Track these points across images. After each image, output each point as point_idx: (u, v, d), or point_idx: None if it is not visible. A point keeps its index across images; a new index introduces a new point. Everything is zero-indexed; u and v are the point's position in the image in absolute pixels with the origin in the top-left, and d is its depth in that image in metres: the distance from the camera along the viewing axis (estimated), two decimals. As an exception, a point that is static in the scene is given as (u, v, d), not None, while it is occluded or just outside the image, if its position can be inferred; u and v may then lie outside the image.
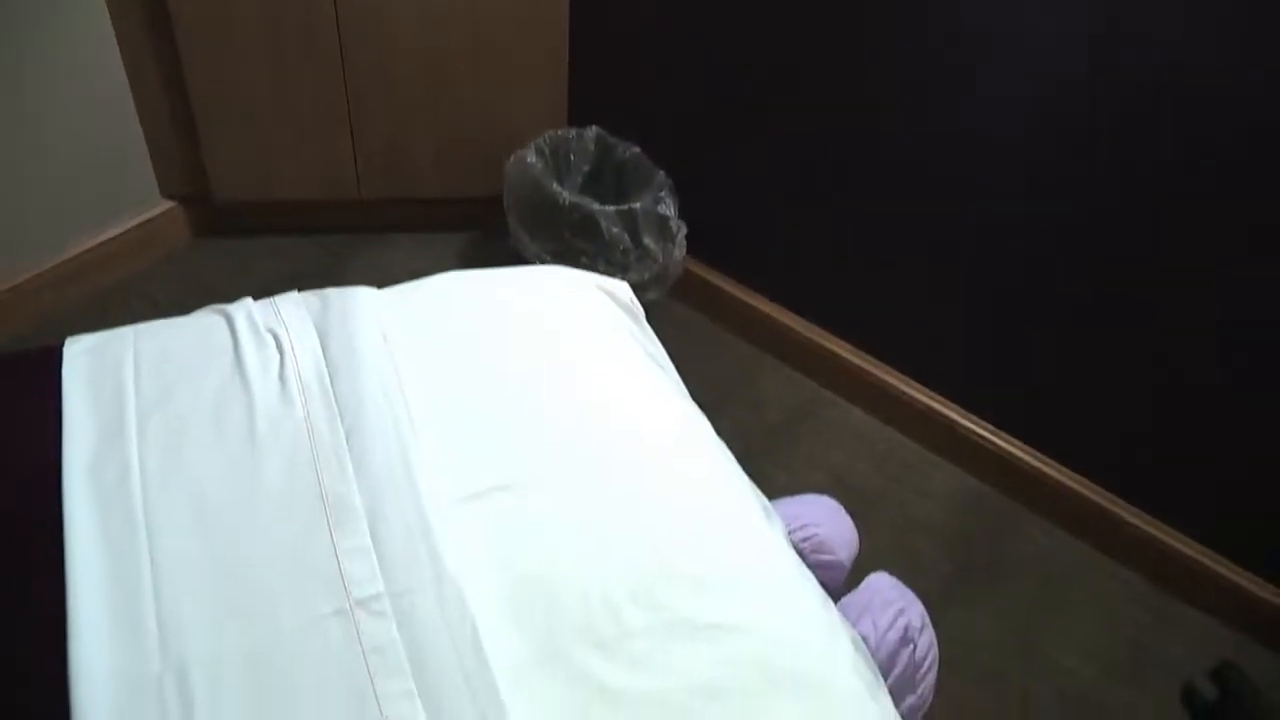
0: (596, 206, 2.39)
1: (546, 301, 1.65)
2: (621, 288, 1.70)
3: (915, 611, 1.53)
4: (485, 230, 2.80)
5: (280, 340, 1.50)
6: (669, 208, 2.44)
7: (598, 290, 1.68)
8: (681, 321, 2.66)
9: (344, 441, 1.37)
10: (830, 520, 1.70)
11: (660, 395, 1.53)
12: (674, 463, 1.43)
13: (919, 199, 2.17)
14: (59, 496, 1.30)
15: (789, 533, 1.47)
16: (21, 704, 1.15)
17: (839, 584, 1.67)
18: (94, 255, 2.56)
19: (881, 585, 1.57)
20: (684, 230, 2.49)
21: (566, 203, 2.40)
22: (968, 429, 2.33)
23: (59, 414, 1.40)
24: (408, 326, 1.55)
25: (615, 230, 2.39)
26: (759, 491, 1.47)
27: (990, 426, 2.31)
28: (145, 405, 1.41)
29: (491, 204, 2.62)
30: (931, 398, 2.37)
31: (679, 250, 2.49)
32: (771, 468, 2.29)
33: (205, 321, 1.56)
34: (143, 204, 2.65)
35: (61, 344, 1.52)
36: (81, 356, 1.48)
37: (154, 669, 1.16)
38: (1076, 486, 2.21)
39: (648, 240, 2.42)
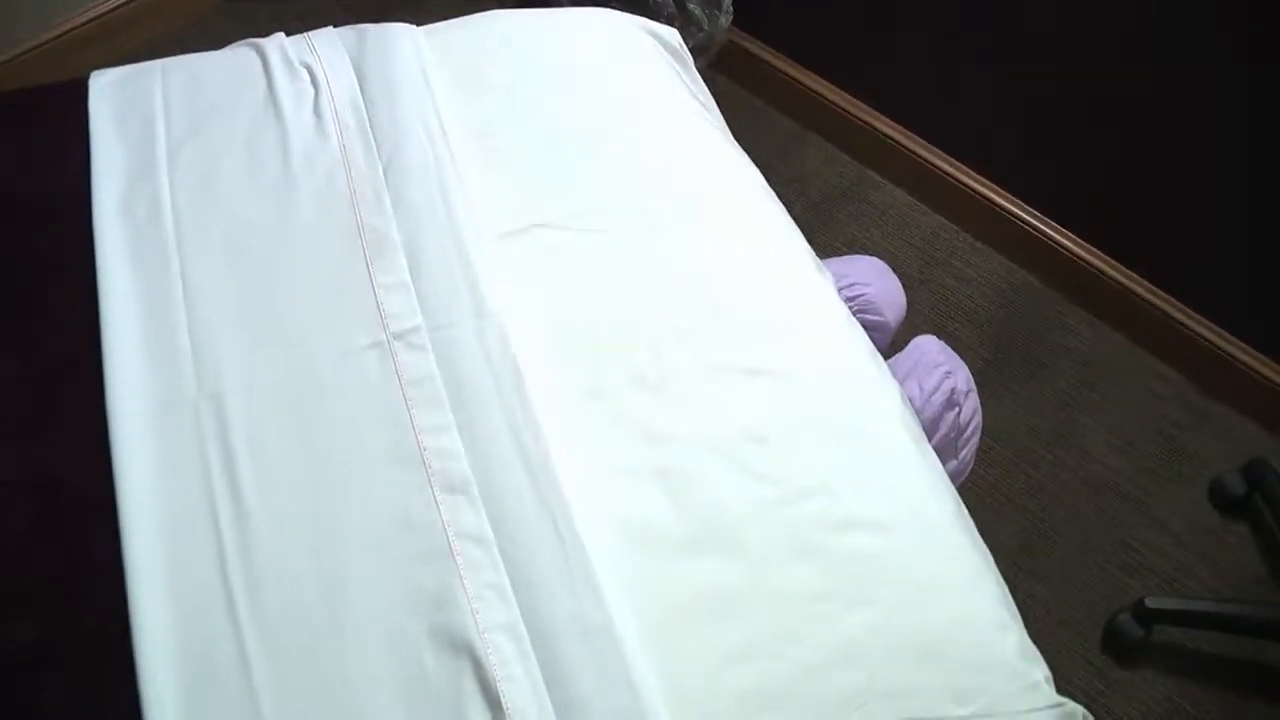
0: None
1: (593, 42, 1.57)
2: (670, 33, 1.61)
3: (962, 375, 1.50)
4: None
5: (315, 74, 1.43)
6: (719, -31, 2.32)
7: (645, 33, 1.59)
8: (723, 94, 2.53)
9: (381, 176, 1.32)
10: (879, 280, 1.66)
11: (711, 141, 1.47)
12: (724, 207, 1.38)
13: (983, -35, 2.05)
14: (90, 230, 1.27)
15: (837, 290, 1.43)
16: (57, 437, 1.14)
17: (884, 347, 1.63)
18: (121, 15, 2.46)
19: (929, 347, 1.53)
20: (733, -3, 2.37)
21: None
22: (1017, 216, 2.25)
23: (87, 147, 1.35)
24: (448, 63, 1.48)
25: (668, 7, 2.28)
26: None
27: (1040, 215, 2.23)
28: (176, 138, 1.36)
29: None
30: (980, 182, 2.29)
31: (725, 18, 2.37)
32: (811, 246, 2.22)
33: (236, 55, 1.49)
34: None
35: (87, 77, 1.46)
36: (109, 89, 1.42)
37: (189, 394, 1.14)
38: (1125, 280, 2.15)
39: (692, 5, 2.31)
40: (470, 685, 0.98)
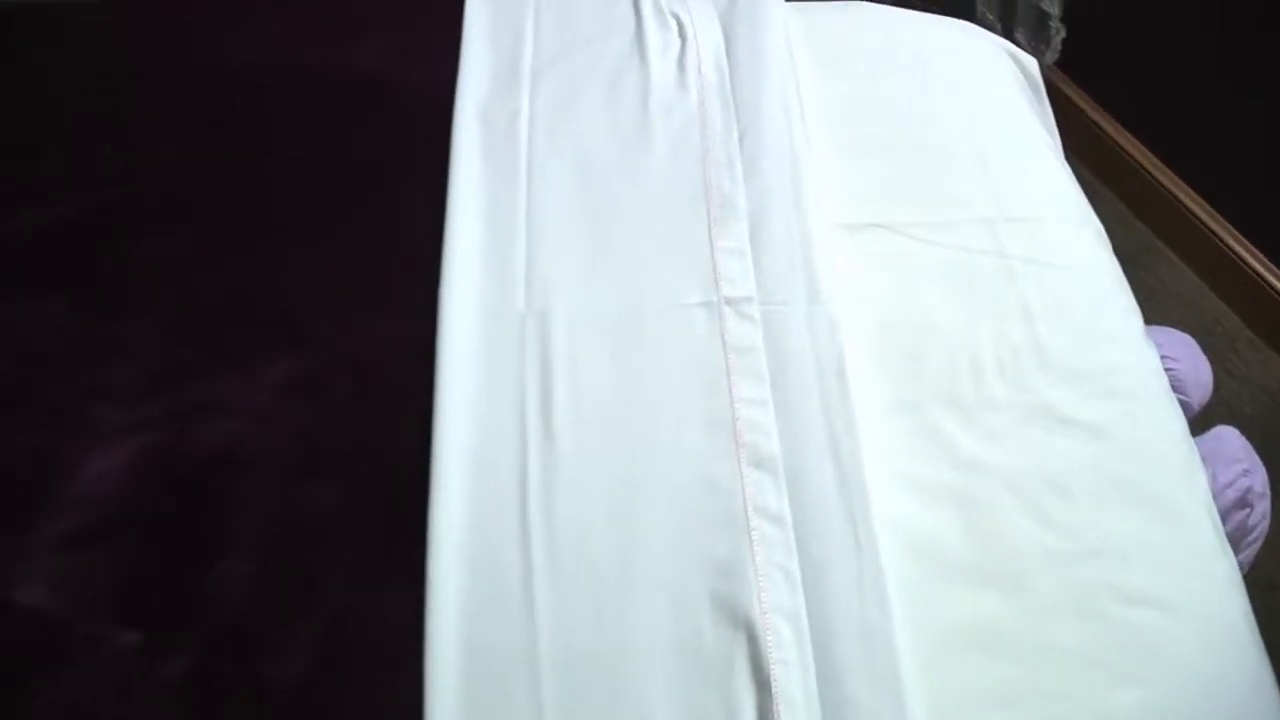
0: (978, -15, 2.23)
1: (956, 53, 1.56)
2: (1030, 61, 1.58)
3: (1259, 477, 1.43)
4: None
5: (683, 26, 1.45)
6: (1055, 5, 2.25)
7: (1007, 55, 1.57)
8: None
9: (736, 141, 1.33)
10: (1189, 358, 1.59)
11: (1058, 178, 1.44)
12: (1063, 246, 1.35)
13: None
14: (448, 127, 1.31)
15: (1150, 360, 1.38)
16: (388, 323, 1.19)
17: (1184, 428, 1.58)
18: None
19: (1230, 439, 1.47)
20: (1062, 35, 2.30)
21: (948, -26, 2.24)
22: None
23: (457, 49, 1.39)
24: (813, 43, 1.49)
25: (989, 16, 2.23)
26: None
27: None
28: (542, 60, 1.39)
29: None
30: (1275, 274, 2.18)
31: (1051, 55, 2.31)
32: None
33: (609, -9, 1.52)
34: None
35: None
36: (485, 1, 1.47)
37: (518, 309, 1.17)
38: None
39: (1020, 34, 2.26)
40: (742, 660, 0.98)
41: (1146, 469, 1.18)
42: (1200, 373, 1.58)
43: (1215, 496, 1.35)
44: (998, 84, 1.51)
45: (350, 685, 0.97)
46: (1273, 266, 2.18)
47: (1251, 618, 1.15)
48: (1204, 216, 2.26)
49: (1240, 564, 1.41)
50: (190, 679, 0.96)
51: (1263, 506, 1.42)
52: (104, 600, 1.00)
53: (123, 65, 1.41)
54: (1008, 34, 2.22)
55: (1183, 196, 2.28)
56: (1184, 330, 2.13)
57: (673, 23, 1.46)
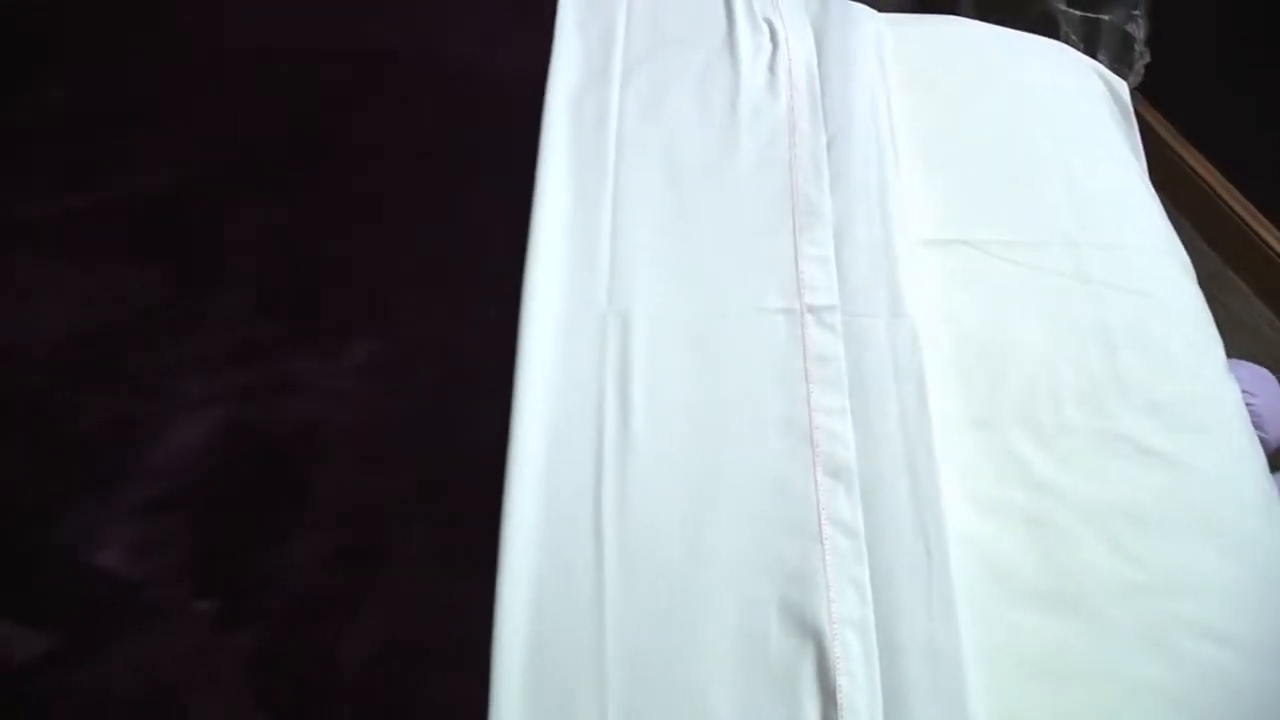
0: (1061, 5, 2.21)
1: (1048, 73, 1.54)
2: (1121, 85, 1.57)
3: (1333, 520, 1.41)
4: (925, 4, 2.65)
5: (775, 30, 1.45)
6: (1139, 29, 2.23)
7: (1099, 78, 1.56)
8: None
9: (824, 148, 1.32)
10: (1266, 393, 1.58)
11: (1147, 206, 1.42)
12: (1149, 275, 1.33)
13: None
14: (537, 115, 1.31)
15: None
16: (469, 309, 1.20)
17: (1262, 465, 1.56)
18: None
19: (1307, 477, 1.45)
20: (1146, 59, 2.28)
21: (1032, -7, 2.22)
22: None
23: (548, 38, 1.40)
24: (904, 55, 1.48)
25: (1073, 37, 2.21)
26: (1219, 338, 1.36)
27: None
28: (632, 57, 1.40)
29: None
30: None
31: (1134, 79, 2.29)
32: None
33: (702, -7, 1.52)
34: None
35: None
36: None
37: (599, 305, 1.17)
38: None
39: (1102, 57, 2.24)
40: (808, 669, 0.98)
41: (1223, 503, 1.16)
42: (1276, 409, 1.56)
43: (1289, 537, 1.33)
44: (1089, 106, 1.50)
45: (417, 670, 0.98)
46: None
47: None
48: (1278, 247, 2.23)
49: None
50: (261, 652, 0.97)
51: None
52: (180, 568, 1.01)
53: (235, 42, 1.43)
54: (1090, 56, 2.19)
55: (1257, 226, 2.26)
56: (1255, 362, 2.11)
57: (765, 27, 1.45)
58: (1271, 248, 2.23)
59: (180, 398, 1.11)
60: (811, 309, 1.18)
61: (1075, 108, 1.49)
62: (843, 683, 0.97)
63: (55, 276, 1.22)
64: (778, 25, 1.45)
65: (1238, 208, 2.28)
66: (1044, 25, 2.20)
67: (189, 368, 1.13)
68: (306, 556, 1.03)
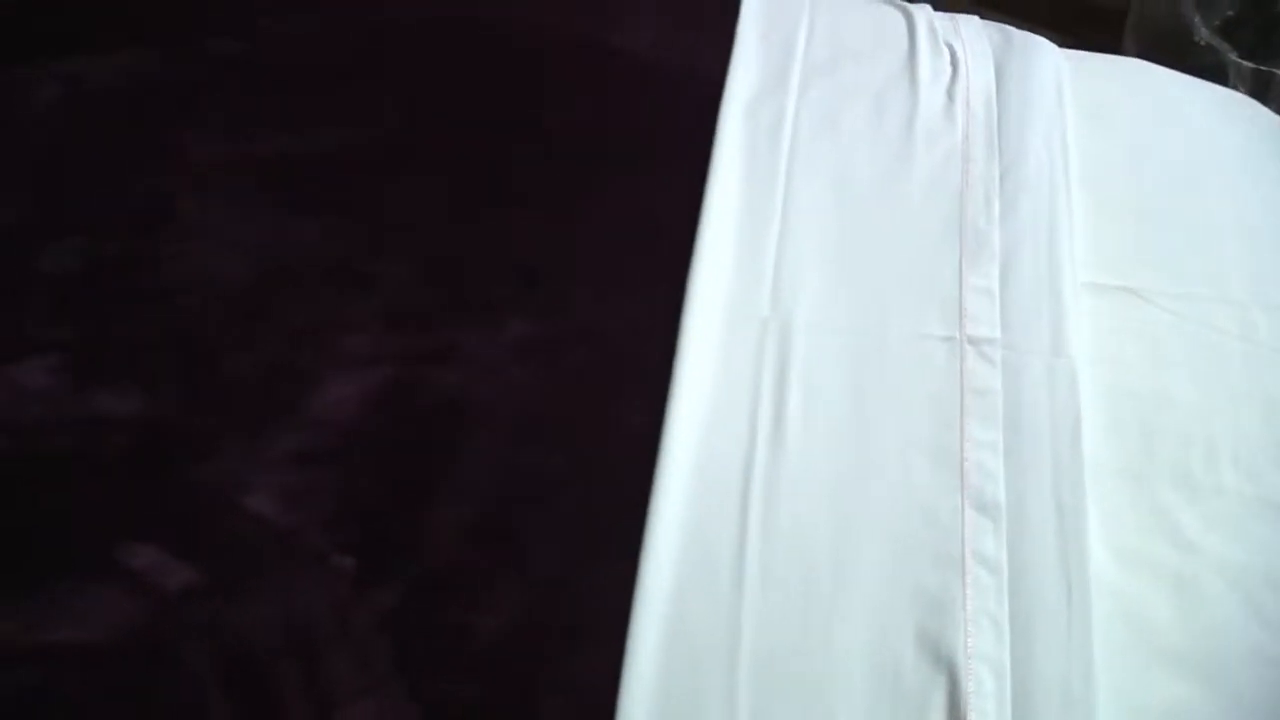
0: (1233, 57, 2.15)
1: (1228, 123, 1.51)
2: (1305, 146, 1.53)
3: None
4: (1085, 42, 2.60)
5: (956, 56, 1.44)
6: (1313, 85, 2.17)
7: (1284, 136, 1.52)
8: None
9: (996, 179, 1.31)
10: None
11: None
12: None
13: None
14: (713, 116, 1.32)
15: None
16: (634, 309, 1.21)
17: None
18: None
19: None
20: (1315, 114, 2.22)
21: (1202, 41, 2.17)
22: None
23: (729, 42, 1.40)
24: (1082, 93, 1.45)
25: (1240, 89, 2.15)
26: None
27: None
28: (810, 68, 1.40)
29: (1109, 16, 2.41)
30: None
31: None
32: None
33: (883, 10, 1.52)
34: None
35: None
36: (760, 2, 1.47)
37: (762, 312, 1.18)
38: None
39: (1239, 86, 2.18)
40: (940, 700, 0.97)
41: (1373, 582, 1.13)
42: None
43: None
44: (1270, 164, 1.46)
45: (549, 649, 0.99)
46: None
47: None
48: None
49: None
50: (396, 613, 0.99)
51: None
52: (324, 522, 1.04)
53: (418, 18, 1.46)
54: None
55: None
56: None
57: (946, 51, 1.45)
58: None
59: (340, 354, 1.14)
60: (972, 340, 1.17)
61: (1254, 163, 1.46)
62: (973, 719, 0.96)
63: (222, 222, 1.25)
64: (959, 50, 1.44)
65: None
66: (1214, 75, 2.14)
67: (351, 326, 1.16)
68: (449, 525, 1.05)
